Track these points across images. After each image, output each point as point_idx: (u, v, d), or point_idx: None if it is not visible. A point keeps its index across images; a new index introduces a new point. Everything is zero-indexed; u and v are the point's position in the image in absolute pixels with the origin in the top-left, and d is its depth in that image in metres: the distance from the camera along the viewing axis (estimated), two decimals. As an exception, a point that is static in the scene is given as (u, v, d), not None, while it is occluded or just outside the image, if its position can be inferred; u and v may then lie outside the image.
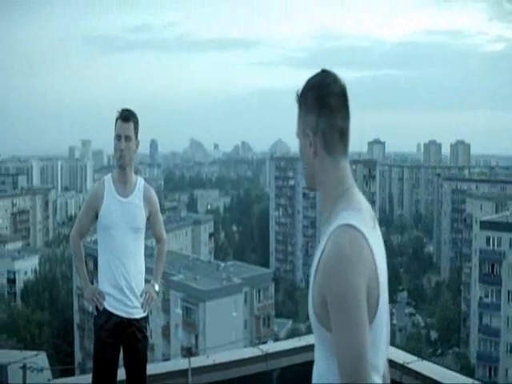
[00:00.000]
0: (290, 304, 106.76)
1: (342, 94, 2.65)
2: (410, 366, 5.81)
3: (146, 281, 5.40)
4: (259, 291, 70.56)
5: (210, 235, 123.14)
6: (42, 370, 5.45)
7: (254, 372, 6.11)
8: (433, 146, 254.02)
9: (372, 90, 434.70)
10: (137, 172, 5.59)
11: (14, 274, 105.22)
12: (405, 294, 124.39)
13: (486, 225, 77.55)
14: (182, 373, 5.77)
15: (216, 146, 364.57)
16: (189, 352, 5.89)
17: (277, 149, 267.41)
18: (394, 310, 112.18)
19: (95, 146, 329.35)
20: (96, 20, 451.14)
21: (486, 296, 75.48)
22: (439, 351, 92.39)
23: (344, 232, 2.45)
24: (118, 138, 5.30)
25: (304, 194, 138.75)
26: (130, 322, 5.21)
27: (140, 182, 5.44)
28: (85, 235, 5.56)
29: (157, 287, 5.40)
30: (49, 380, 5.45)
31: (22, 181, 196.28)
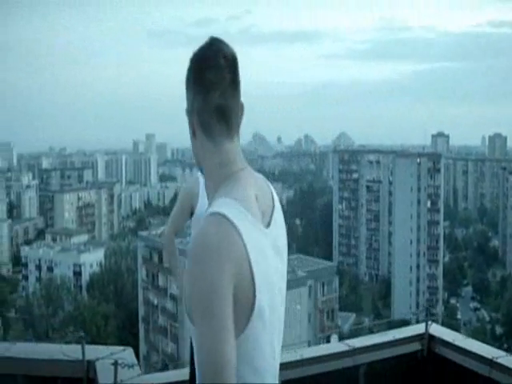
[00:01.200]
0: (353, 298, 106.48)
1: (222, 68, 2.29)
2: (498, 361, 5.66)
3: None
4: (323, 284, 70.45)
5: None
6: (132, 366, 5.42)
7: (341, 367, 6.03)
8: (498, 139, 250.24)
9: (435, 82, 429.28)
10: None
11: (80, 266, 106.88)
12: (469, 289, 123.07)
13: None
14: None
15: (279, 140, 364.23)
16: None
17: (340, 142, 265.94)
18: (458, 305, 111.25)
19: (159, 139, 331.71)
20: (158, 14, 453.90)
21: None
22: (505, 346, 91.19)
23: (210, 221, 2.15)
24: None
25: (368, 188, 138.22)
26: None
27: None
28: (179, 232, 5.47)
29: None
30: (138, 375, 5.42)
31: (88, 175, 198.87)
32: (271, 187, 2.44)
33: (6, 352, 5.23)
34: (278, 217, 2.37)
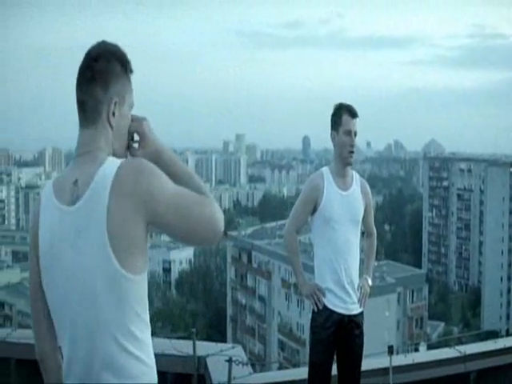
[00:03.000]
0: (442, 306, 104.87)
1: (83, 68, 2.60)
2: None
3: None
4: (412, 292, 69.74)
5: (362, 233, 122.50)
6: (247, 363, 5.53)
7: (452, 373, 6.08)
8: None
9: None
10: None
11: (170, 263, 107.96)
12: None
13: None
14: (383, 371, 5.78)
15: (368, 144, 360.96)
16: (390, 350, 5.86)
17: (430, 149, 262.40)
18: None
19: (249, 140, 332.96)
20: (248, 15, 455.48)
21: None
22: None
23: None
24: (348, 133, 5.18)
25: (458, 196, 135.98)
26: (349, 318, 5.11)
27: (355, 175, 5.35)
28: (301, 230, 5.38)
29: (370, 281, 5.32)
30: (250, 373, 5.53)
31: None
32: (103, 168, 2.50)
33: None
34: (92, 197, 2.46)
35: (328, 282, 5.14)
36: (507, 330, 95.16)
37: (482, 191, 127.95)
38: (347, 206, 5.20)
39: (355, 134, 5.23)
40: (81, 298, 2.45)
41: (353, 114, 5.23)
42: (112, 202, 2.41)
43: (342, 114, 5.22)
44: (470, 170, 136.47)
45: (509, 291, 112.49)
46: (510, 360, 6.32)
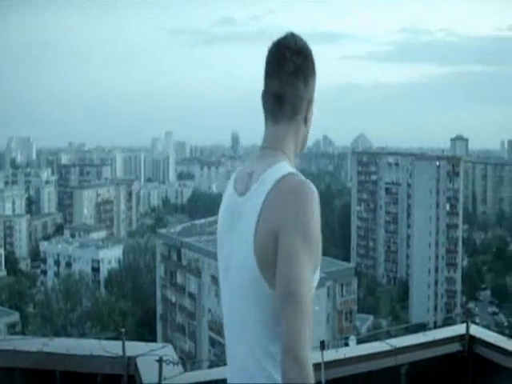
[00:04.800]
0: (371, 300, 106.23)
1: (282, 59, 2.60)
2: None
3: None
4: (342, 286, 70.37)
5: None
6: (177, 363, 5.44)
7: (383, 367, 6.06)
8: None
9: (455, 86, 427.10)
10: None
11: (99, 262, 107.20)
12: (488, 293, 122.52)
13: None
14: (315, 367, 5.70)
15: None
16: (322, 345, 5.81)
17: (358, 144, 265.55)
18: (476, 309, 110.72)
19: (177, 137, 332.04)
20: (179, 13, 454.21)
21: None
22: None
23: None
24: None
25: (386, 190, 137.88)
26: None
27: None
28: None
29: None
30: (181, 373, 5.43)
31: (106, 171, 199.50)
32: (271, 170, 2.52)
33: (43, 347, 5.19)
34: (255, 194, 2.49)
35: None
36: (435, 322, 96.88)
37: (409, 185, 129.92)
38: None
39: None
40: (231, 287, 2.55)
41: None
42: (264, 209, 2.44)
43: None
44: (397, 164, 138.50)
45: (436, 283, 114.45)
46: (440, 352, 6.34)
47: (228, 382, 2.57)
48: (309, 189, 2.45)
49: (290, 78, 2.53)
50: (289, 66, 2.53)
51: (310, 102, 2.61)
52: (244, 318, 2.48)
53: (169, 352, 5.66)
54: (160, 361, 5.33)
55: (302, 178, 2.52)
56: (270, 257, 2.37)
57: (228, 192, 2.64)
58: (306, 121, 2.62)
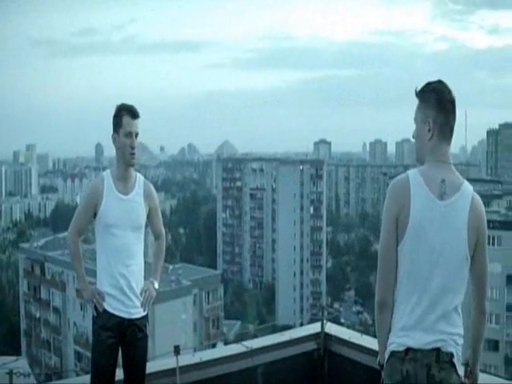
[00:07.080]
0: (238, 305, 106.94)
1: (452, 100, 3.71)
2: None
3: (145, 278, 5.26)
4: (208, 293, 70.61)
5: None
6: (29, 374, 5.31)
7: (240, 368, 6.09)
8: (378, 145, 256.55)
9: (319, 91, 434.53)
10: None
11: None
12: (352, 293, 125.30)
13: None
14: (170, 372, 5.70)
15: (162, 149, 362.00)
16: (176, 350, 5.79)
17: (223, 150, 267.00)
18: (341, 309, 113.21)
19: (40, 150, 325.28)
20: (42, 23, 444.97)
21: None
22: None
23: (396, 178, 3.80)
24: (129, 135, 5.17)
25: (251, 195, 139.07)
26: (130, 322, 5.06)
27: (140, 178, 5.30)
28: (83, 233, 5.33)
29: (156, 284, 5.25)
30: (33, 384, 5.29)
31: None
32: (459, 183, 3.69)
33: None
34: (460, 201, 3.64)
35: (106, 286, 5.09)
36: (301, 324, 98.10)
37: (274, 190, 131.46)
38: (127, 210, 5.13)
39: (136, 135, 5.24)
40: (446, 265, 3.62)
41: (133, 114, 5.22)
42: (471, 213, 3.63)
43: (123, 115, 5.20)
44: (262, 170, 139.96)
45: (302, 286, 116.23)
46: (296, 351, 6.42)
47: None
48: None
49: (455, 114, 3.75)
50: (453, 105, 3.73)
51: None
52: (451, 285, 3.64)
53: (22, 365, 5.54)
54: (10, 373, 5.24)
55: None
56: (472, 248, 3.64)
57: (423, 192, 3.63)
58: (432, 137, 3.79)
